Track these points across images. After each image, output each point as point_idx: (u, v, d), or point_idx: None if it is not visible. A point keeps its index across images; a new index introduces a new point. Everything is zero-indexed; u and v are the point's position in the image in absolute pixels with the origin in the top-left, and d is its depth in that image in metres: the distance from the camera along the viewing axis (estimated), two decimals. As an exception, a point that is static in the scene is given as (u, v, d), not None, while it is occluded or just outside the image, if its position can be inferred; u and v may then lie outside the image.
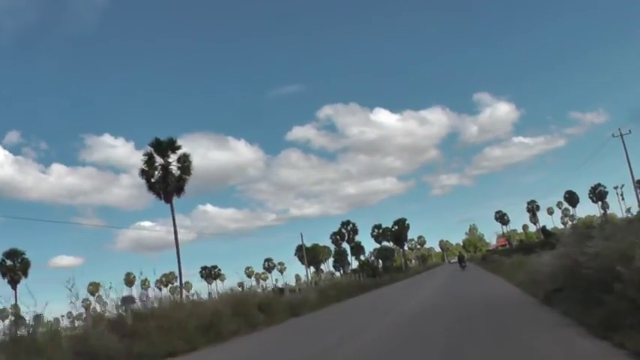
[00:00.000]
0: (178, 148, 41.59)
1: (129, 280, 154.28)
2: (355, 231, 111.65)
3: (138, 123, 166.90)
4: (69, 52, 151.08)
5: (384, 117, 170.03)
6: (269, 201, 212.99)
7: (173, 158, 40.52)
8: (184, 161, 41.52)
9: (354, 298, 30.92)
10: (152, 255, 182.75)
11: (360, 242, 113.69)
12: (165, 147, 40.51)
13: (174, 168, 40.49)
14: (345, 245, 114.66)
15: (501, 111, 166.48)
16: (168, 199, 39.78)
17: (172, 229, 39.21)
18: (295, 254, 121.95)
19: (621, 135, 56.88)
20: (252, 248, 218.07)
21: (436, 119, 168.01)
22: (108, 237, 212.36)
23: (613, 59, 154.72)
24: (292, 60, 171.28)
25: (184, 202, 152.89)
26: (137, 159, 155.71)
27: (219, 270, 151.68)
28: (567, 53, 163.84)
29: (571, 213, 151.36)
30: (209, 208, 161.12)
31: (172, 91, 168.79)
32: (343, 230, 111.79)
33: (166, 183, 39.63)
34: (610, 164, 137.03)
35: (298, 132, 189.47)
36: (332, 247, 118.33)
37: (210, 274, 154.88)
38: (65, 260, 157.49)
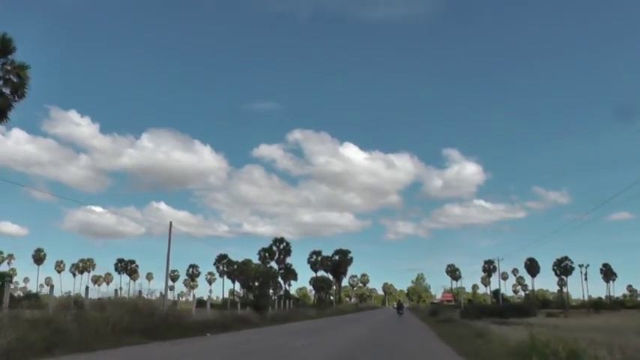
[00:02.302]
0: (12, 51, 25.74)
1: (38, 258, 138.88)
2: (288, 251, 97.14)
3: (106, 107, 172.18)
4: (60, 23, 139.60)
5: (352, 152, 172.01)
6: (224, 212, 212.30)
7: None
8: (19, 74, 25.53)
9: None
10: (97, 242, 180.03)
11: (290, 265, 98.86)
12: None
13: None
14: (275, 265, 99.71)
15: (468, 171, 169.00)
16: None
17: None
18: (214, 264, 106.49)
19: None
20: (200, 253, 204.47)
21: (403, 165, 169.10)
22: (57, 214, 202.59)
23: (582, 146, 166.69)
24: (271, 78, 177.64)
25: (138, 196, 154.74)
26: (99, 142, 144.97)
27: (137, 266, 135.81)
28: (540, 131, 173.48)
29: (525, 282, 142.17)
30: (163, 206, 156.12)
31: (147, 82, 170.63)
32: (274, 248, 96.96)
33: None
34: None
35: (265, 150, 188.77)
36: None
37: (126, 268, 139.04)
38: (10, 227, 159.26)
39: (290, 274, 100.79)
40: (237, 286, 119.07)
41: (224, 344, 14.71)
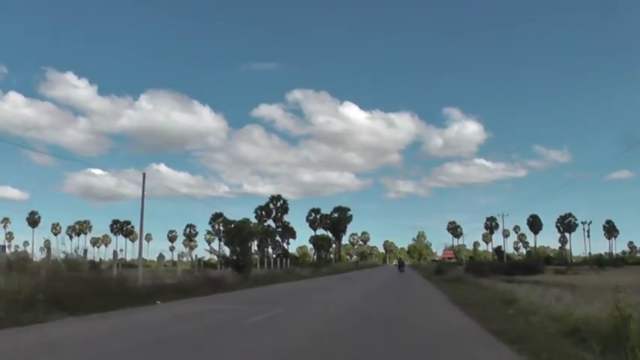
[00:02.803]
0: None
1: (32, 221, 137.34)
2: (285, 209, 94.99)
3: (103, 68, 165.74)
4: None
5: (352, 112, 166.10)
6: (224, 173, 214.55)
7: None
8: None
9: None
10: (99, 204, 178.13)
11: (288, 223, 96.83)
12: None
13: None
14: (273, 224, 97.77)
15: (469, 130, 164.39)
16: None
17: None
18: (210, 223, 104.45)
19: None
20: (199, 213, 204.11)
21: (403, 125, 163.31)
22: (57, 178, 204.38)
23: (585, 105, 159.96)
24: (270, 37, 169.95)
25: (138, 158, 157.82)
26: (98, 104, 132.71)
27: (132, 227, 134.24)
28: (543, 90, 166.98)
29: (526, 239, 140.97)
30: (163, 168, 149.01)
31: (145, 42, 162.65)
32: (271, 206, 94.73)
33: None
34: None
35: (265, 110, 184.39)
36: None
37: (121, 229, 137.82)
38: (10, 192, 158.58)
39: (288, 232, 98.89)
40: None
41: (155, 320, 11.54)
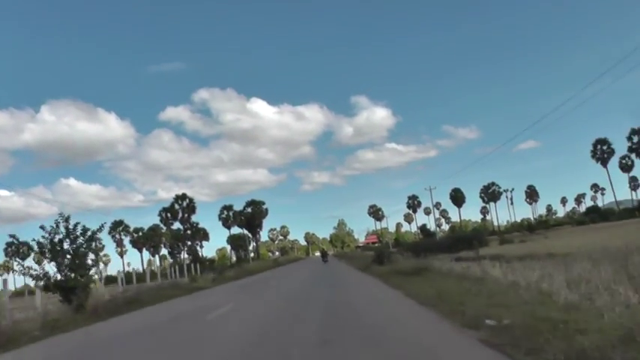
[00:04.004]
0: None
1: None
2: (193, 209, 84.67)
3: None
4: None
5: (260, 107, 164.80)
6: (137, 181, 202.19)
7: None
8: None
9: None
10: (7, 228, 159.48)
11: (197, 224, 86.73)
12: None
13: None
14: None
15: (378, 116, 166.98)
16: None
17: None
18: (109, 233, 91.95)
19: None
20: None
21: (312, 116, 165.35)
22: None
23: (487, 81, 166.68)
24: (171, 37, 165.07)
25: (45, 174, 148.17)
26: None
27: (29, 248, 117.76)
28: (446, 69, 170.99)
29: (448, 215, 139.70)
30: (72, 182, 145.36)
31: (41, 50, 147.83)
32: (176, 206, 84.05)
33: None
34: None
35: (172, 113, 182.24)
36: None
37: (17, 251, 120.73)
38: None
39: (198, 233, 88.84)
40: (147, 255, 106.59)
41: None
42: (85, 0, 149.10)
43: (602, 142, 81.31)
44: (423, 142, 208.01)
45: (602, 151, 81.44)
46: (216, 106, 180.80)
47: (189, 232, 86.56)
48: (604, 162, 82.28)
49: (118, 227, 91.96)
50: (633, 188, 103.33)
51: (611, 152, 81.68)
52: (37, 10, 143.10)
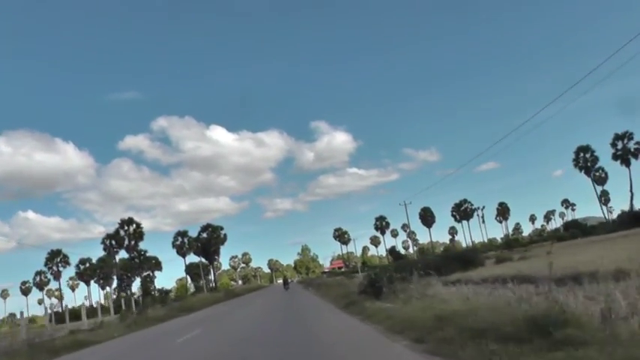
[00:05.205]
0: None
1: None
2: (140, 235, 76.23)
3: None
4: None
5: (220, 134, 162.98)
6: (98, 212, 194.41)
7: None
8: None
9: None
10: None
11: (145, 251, 78.45)
12: None
13: None
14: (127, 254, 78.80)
15: (338, 140, 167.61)
16: None
17: None
18: (45, 265, 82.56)
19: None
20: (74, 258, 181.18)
21: (273, 142, 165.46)
22: None
23: (446, 104, 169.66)
24: (128, 66, 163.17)
25: (2, 207, 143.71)
26: None
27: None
28: (404, 93, 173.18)
29: (416, 237, 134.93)
30: (31, 215, 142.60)
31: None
32: (122, 232, 75.51)
33: None
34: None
35: (131, 141, 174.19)
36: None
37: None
38: None
39: (147, 262, 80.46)
40: (95, 289, 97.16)
41: None
42: (40, 29, 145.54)
43: (584, 149, 77.33)
44: (384, 166, 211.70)
45: (584, 159, 77.43)
46: (175, 134, 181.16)
47: (136, 260, 78.14)
48: (587, 171, 78.32)
49: (55, 258, 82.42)
50: (604, 202, 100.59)
51: (595, 160, 77.67)
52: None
